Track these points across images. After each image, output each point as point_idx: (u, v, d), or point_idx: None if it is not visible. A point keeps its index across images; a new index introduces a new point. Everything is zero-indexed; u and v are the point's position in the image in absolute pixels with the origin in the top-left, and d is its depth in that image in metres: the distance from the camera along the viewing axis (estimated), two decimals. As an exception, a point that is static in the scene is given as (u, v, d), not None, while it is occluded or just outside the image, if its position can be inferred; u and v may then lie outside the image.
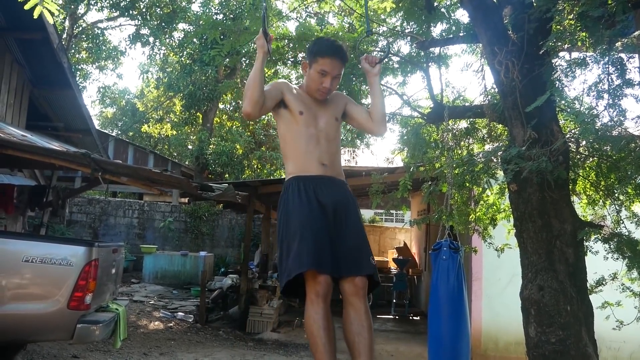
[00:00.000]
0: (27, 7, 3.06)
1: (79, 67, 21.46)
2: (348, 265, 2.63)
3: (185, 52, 18.13)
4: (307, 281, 2.57)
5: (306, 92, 2.85)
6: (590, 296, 3.48)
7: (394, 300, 11.56)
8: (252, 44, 5.17)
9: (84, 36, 20.31)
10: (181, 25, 18.43)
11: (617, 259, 3.60)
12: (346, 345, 2.69)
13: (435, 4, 4.90)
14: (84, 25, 20.55)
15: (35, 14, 3.10)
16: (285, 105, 2.79)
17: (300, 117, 2.74)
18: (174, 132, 22.93)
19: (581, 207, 4.22)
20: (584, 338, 3.17)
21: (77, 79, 18.81)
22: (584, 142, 3.60)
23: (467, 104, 5.19)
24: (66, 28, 18.78)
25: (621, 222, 3.89)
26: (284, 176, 2.99)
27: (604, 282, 3.89)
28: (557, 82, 3.11)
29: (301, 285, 2.62)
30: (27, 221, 9.29)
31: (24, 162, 7.25)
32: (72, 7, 17.18)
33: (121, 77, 45.27)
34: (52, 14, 3.17)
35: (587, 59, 3.01)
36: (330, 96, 2.91)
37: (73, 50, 20.33)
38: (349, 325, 2.67)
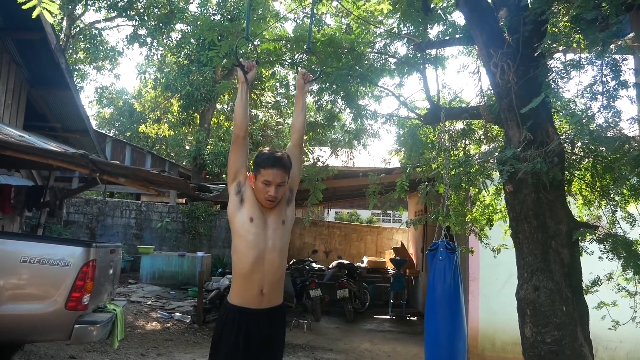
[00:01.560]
0: (25, 7, 3.06)
1: (77, 67, 21.44)
2: None
3: (182, 53, 18.12)
4: None
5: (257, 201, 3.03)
6: (585, 296, 3.50)
7: (392, 301, 11.58)
8: (250, 45, 5.18)
9: (81, 36, 20.29)
10: (179, 26, 18.44)
11: (613, 259, 3.62)
12: None
13: (432, 6, 4.92)
14: (82, 25, 20.55)
15: (34, 14, 3.10)
16: (241, 197, 2.99)
17: (250, 225, 2.93)
18: (172, 133, 22.89)
19: (577, 208, 4.24)
20: (579, 338, 3.19)
21: (75, 79, 18.78)
22: (579, 143, 3.62)
23: (463, 106, 5.21)
24: (64, 28, 18.77)
25: (616, 222, 3.91)
26: None
27: (599, 283, 3.91)
28: (552, 83, 3.14)
29: None
30: (24, 221, 9.28)
31: (21, 163, 7.25)
32: (70, 7, 17.18)
33: (119, 77, 45.18)
34: (51, 14, 3.17)
35: (582, 60, 3.03)
36: None
37: (71, 51, 20.32)
38: None
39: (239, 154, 3.03)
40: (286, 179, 2.99)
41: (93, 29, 20.57)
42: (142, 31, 18.35)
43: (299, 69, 3.50)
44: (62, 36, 18.02)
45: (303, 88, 3.32)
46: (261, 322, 2.95)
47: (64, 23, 18.80)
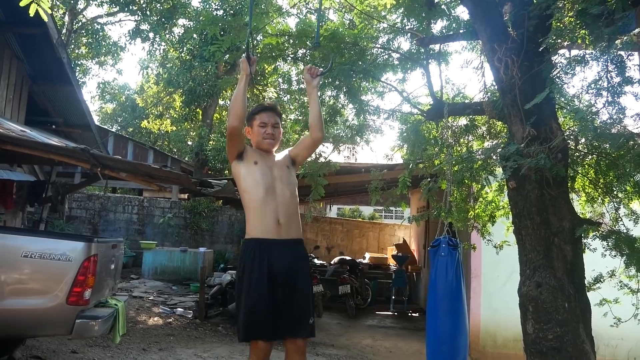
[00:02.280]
0: (22, 4, 3.08)
1: (79, 62, 21.45)
2: (290, 328, 3.03)
3: (185, 48, 18.09)
4: (252, 345, 2.99)
5: (258, 149, 3.26)
6: (588, 293, 3.49)
7: (393, 297, 11.57)
8: (252, 40, 5.16)
9: (83, 31, 20.29)
10: (181, 21, 18.44)
11: (615, 256, 3.61)
12: None
13: (436, 0, 4.89)
14: (84, 20, 20.53)
15: (31, 12, 3.11)
16: (242, 158, 3.17)
17: (255, 167, 3.11)
18: (174, 128, 22.91)
19: (580, 205, 4.22)
20: (581, 335, 3.18)
21: (77, 74, 18.80)
22: (583, 140, 3.60)
23: (466, 101, 5.18)
24: (66, 23, 18.76)
25: (619, 219, 3.89)
26: None
27: (602, 280, 3.89)
28: (556, 79, 3.11)
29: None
30: (26, 217, 9.29)
31: (23, 158, 7.25)
32: (72, 2, 17.15)
33: (121, 72, 45.32)
34: (46, 12, 3.18)
35: (587, 56, 3.01)
36: (277, 155, 3.31)
37: (73, 46, 20.31)
38: None
39: (237, 144, 3.15)
40: (279, 123, 3.24)
41: (95, 24, 20.56)
42: (144, 26, 18.35)
43: (303, 65, 3.50)
44: (64, 31, 18.00)
45: (311, 83, 3.28)
46: (282, 251, 3.01)
47: (66, 18, 18.79)
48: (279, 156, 3.30)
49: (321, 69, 3.32)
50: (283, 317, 2.98)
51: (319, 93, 3.43)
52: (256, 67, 3.29)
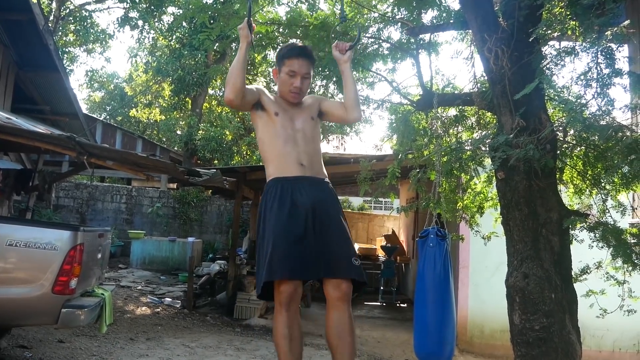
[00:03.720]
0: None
1: (66, 50, 21.16)
2: (330, 267, 2.65)
3: (174, 36, 17.91)
4: (275, 289, 2.62)
5: (281, 97, 2.91)
6: (574, 284, 3.51)
7: (382, 288, 11.62)
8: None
9: (71, 18, 19.99)
10: (170, 9, 18.19)
11: (602, 247, 3.63)
12: (328, 346, 2.74)
13: (426, -10, 4.86)
14: (72, 7, 20.24)
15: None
16: (262, 107, 2.85)
17: (276, 118, 2.80)
18: (163, 117, 22.71)
19: (568, 196, 4.23)
20: (567, 326, 3.20)
21: (65, 62, 18.56)
22: (571, 131, 3.61)
23: (456, 92, 5.18)
24: (53, 10, 18.49)
25: (607, 211, 3.91)
26: None
27: (588, 271, 3.92)
28: (546, 70, 3.11)
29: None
30: (12, 205, 9.19)
31: (9, 146, 7.15)
32: (59, -12, 16.91)
33: (109, 60, 44.94)
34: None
35: (577, 47, 3.01)
36: (304, 99, 2.97)
37: (60, 33, 20.02)
38: (332, 328, 2.73)
39: (244, 106, 2.83)
40: (311, 71, 2.89)
41: (83, 11, 20.26)
42: (133, 14, 18.10)
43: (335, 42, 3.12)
44: (51, 17, 17.74)
45: (341, 59, 2.94)
46: (308, 187, 2.72)
47: (54, 4, 18.52)
48: (306, 103, 2.96)
49: (350, 43, 3.01)
50: (317, 255, 2.61)
51: (350, 69, 2.98)
52: (253, 37, 2.93)
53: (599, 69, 2.82)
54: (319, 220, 2.67)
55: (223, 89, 20.71)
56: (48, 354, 5.47)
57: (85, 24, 19.76)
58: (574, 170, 4.13)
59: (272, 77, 18.87)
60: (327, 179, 2.88)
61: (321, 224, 2.66)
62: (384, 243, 13.23)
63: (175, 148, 19.91)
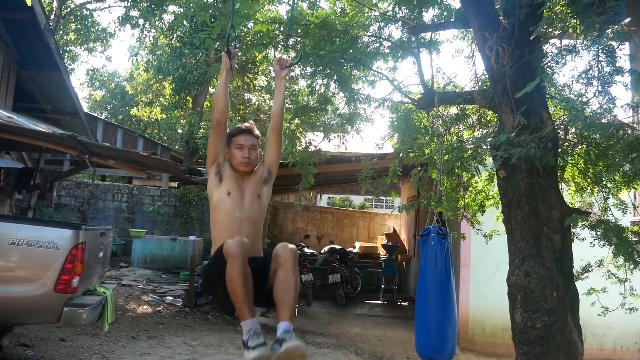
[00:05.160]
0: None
1: (67, 48, 21.16)
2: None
3: (175, 35, 17.89)
4: (225, 253, 2.78)
5: (235, 171, 3.24)
6: (576, 282, 3.51)
7: (383, 286, 11.62)
8: (243, 27, 5.10)
9: (72, 17, 20.01)
10: (171, 8, 18.17)
11: (604, 245, 3.62)
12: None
13: (427, -12, 4.85)
14: (73, 6, 20.24)
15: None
16: (220, 177, 3.19)
17: (227, 199, 3.14)
18: (164, 116, 22.70)
19: (569, 194, 4.23)
20: (569, 324, 3.20)
21: (65, 60, 18.55)
22: (573, 129, 3.60)
23: (457, 90, 5.17)
24: (54, 9, 18.50)
25: (608, 209, 3.91)
26: None
27: (590, 269, 3.92)
28: (547, 68, 3.10)
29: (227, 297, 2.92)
30: (14, 204, 9.20)
31: (10, 144, 7.17)
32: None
33: (110, 59, 44.74)
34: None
35: (578, 45, 3.00)
36: (255, 170, 3.30)
37: (61, 32, 20.04)
38: (279, 283, 2.95)
39: (219, 137, 3.22)
40: (257, 144, 3.29)
41: (84, 10, 20.27)
42: (134, 12, 18.09)
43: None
44: (52, 16, 17.74)
45: (280, 74, 3.36)
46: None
47: (55, 3, 18.52)
48: (256, 174, 3.30)
49: (290, 60, 3.41)
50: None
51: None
52: (237, 60, 3.33)
53: (600, 67, 2.81)
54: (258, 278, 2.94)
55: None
56: (50, 352, 5.49)
57: (86, 22, 19.78)
58: (575, 168, 4.13)
59: (272, 76, 18.83)
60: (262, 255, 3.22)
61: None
62: (385, 241, 13.23)
63: (176, 147, 19.93)
